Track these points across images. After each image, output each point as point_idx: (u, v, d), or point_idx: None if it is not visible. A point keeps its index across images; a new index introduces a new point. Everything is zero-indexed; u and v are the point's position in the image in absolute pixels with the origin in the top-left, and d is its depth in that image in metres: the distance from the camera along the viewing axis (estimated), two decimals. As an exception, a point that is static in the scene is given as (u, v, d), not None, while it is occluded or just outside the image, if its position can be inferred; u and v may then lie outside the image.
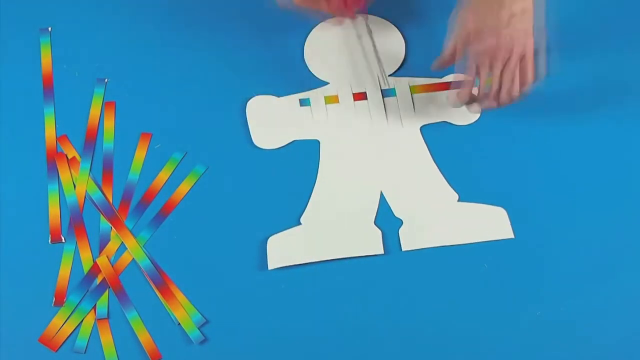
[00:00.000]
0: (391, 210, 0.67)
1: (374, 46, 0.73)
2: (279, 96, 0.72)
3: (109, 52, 0.75)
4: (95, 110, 0.72)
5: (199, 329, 0.63)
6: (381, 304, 0.64)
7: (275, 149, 0.69)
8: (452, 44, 0.66)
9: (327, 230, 0.66)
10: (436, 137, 0.70)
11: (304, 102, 0.71)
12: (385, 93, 0.72)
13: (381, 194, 0.67)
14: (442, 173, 0.68)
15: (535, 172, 0.68)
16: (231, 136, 0.71)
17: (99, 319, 0.64)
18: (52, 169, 0.70)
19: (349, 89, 0.72)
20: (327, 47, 0.74)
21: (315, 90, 0.72)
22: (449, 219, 0.66)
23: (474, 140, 0.70)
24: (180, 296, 0.65)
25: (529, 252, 0.65)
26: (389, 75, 0.73)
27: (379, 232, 0.66)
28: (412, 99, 0.71)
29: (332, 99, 0.72)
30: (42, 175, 0.69)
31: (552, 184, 0.68)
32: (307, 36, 0.74)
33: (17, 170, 0.70)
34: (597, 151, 0.69)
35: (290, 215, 0.67)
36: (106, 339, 0.63)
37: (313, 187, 0.68)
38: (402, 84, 0.72)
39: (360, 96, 0.72)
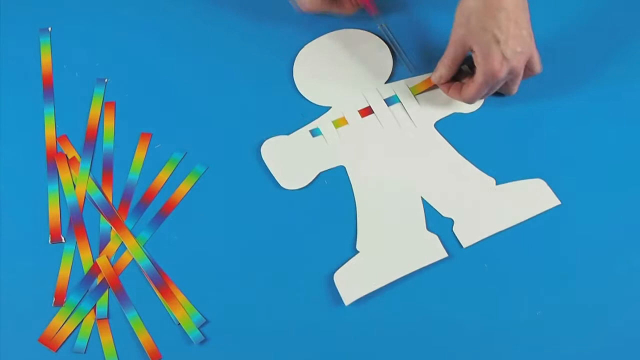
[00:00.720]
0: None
1: (397, 44, 0.73)
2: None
3: (109, 52, 0.75)
4: (95, 110, 0.72)
5: (199, 329, 0.63)
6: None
7: (305, 187, 0.68)
8: (452, 59, 0.67)
9: (387, 251, 0.65)
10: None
11: (315, 133, 0.71)
12: (389, 101, 0.71)
13: (422, 199, 0.67)
14: (471, 162, 0.68)
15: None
16: (233, 136, 0.71)
17: (99, 319, 0.64)
18: (52, 169, 0.70)
19: (353, 107, 0.71)
20: (315, 71, 0.73)
21: (320, 117, 0.71)
22: (495, 204, 0.66)
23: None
24: (180, 296, 0.65)
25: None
26: (385, 83, 0.72)
27: (436, 236, 0.65)
28: (417, 99, 0.71)
29: (340, 122, 0.71)
30: (42, 175, 0.69)
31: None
32: (292, 66, 0.74)
33: (17, 170, 0.70)
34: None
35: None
36: (106, 339, 0.63)
37: (351, 213, 0.67)
38: (401, 88, 0.72)
39: (366, 111, 0.71)
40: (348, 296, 0.63)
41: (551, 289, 0.63)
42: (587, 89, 0.71)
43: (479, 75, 0.65)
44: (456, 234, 0.65)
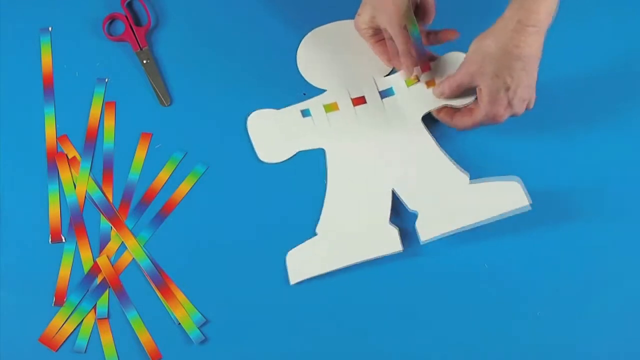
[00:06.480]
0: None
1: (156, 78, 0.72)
2: (277, 108, 0.71)
3: (109, 52, 0.75)
4: (95, 110, 0.72)
5: (199, 328, 0.63)
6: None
7: (281, 162, 0.69)
8: (458, 85, 0.65)
9: (344, 238, 0.65)
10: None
11: (305, 113, 0.71)
12: (384, 94, 0.71)
13: (393, 193, 0.67)
14: (450, 157, 0.67)
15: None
16: (232, 142, 0.70)
17: (99, 319, 0.64)
18: (53, 169, 0.70)
19: (347, 95, 0.71)
20: (319, 54, 0.73)
21: (313, 99, 0.71)
22: (463, 201, 0.65)
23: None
24: (180, 296, 0.65)
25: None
26: (384, 76, 0.72)
27: (396, 229, 0.65)
28: (409, 91, 0.70)
29: (331, 107, 0.71)
30: (42, 175, 0.69)
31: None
32: (298, 44, 0.73)
33: (17, 170, 0.70)
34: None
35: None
36: (106, 338, 0.63)
37: (322, 196, 0.67)
38: (398, 80, 0.71)
39: (360, 101, 0.71)
40: (295, 276, 0.64)
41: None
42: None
43: (480, 114, 0.64)
44: (417, 228, 0.65)
